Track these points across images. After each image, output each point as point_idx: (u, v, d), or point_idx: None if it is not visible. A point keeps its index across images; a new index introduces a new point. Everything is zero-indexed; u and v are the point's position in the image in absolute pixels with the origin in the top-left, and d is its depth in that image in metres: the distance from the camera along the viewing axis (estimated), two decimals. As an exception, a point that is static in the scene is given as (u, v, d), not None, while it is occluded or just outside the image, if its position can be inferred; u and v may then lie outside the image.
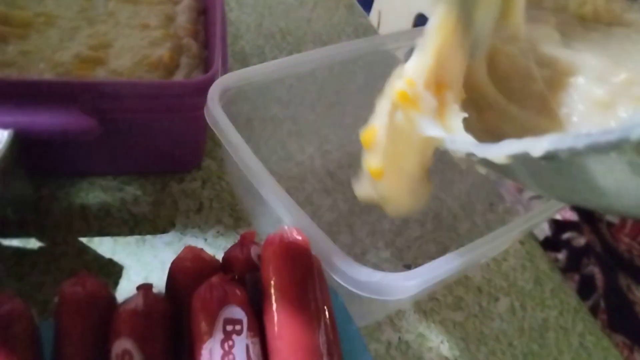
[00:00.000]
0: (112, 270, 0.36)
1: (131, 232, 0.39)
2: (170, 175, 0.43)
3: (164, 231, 0.39)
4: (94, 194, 0.40)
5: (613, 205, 0.21)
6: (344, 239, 0.42)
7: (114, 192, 0.41)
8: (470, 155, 0.23)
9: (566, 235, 0.69)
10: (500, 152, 0.20)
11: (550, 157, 0.18)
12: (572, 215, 0.67)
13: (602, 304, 0.63)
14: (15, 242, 0.36)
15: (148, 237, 0.39)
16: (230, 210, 0.42)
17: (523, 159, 0.19)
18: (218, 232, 0.40)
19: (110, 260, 0.37)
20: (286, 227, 0.26)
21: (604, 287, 0.63)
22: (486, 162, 0.22)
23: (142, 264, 0.37)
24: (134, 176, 0.42)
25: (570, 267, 0.66)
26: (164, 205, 0.41)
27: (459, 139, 0.24)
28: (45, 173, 0.40)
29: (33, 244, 0.36)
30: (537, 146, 0.18)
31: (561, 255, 0.67)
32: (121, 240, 0.38)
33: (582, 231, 0.67)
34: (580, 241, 0.68)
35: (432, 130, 0.24)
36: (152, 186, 0.42)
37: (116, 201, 0.40)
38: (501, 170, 0.24)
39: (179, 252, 0.38)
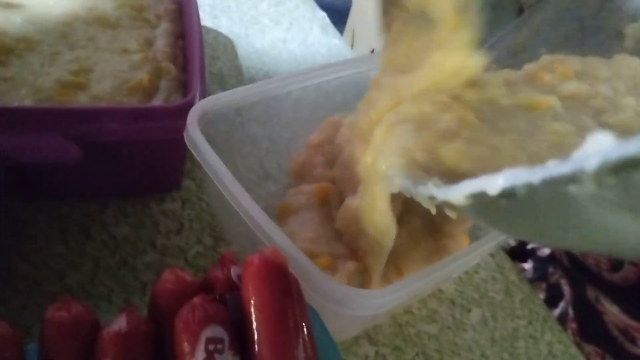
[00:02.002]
0: (93, 293, 0.37)
1: (112, 254, 0.39)
2: (150, 196, 0.44)
3: (144, 252, 0.40)
4: (74, 216, 0.41)
5: (596, 246, 0.21)
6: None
7: (94, 215, 0.41)
8: (432, 198, 0.23)
9: (531, 245, 0.71)
10: (458, 192, 0.20)
11: (508, 195, 0.17)
12: None
13: (571, 312, 0.65)
14: (-4, 267, 0.36)
15: (129, 258, 0.39)
16: (210, 230, 0.43)
17: (484, 201, 0.19)
18: (198, 252, 0.41)
19: (92, 283, 0.37)
20: (264, 248, 0.27)
21: (572, 297, 0.65)
22: (450, 205, 0.22)
23: (123, 285, 0.38)
24: (114, 198, 0.43)
25: (537, 276, 0.68)
26: (145, 227, 0.42)
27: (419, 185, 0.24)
28: (25, 197, 0.41)
29: (14, 267, 0.37)
30: (492, 183, 0.18)
31: (528, 265, 0.69)
32: (102, 262, 0.39)
33: None
34: (545, 250, 0.71)
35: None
36: (132, 207, 0.43)
37: (96, 223, 0.41)
38: (477, 216, 0.24)
39: (160, 273, 0.39)
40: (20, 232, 0.39)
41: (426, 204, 0.24)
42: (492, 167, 0.24)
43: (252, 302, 0.26)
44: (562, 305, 0.66)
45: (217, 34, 0.64)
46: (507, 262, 0.49)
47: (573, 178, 0.15)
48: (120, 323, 0.25)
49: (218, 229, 0.43)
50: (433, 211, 0.24)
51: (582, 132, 0.27)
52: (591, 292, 0.62)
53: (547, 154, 0.25)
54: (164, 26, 0.50)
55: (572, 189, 0.15)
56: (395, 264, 0.37)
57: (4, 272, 0.36)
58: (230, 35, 0.64)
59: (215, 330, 0.25)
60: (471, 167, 0.25)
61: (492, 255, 0.49)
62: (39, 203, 0.41)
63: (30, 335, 0.34)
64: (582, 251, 0.56)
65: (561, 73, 0.33)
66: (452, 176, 0.24)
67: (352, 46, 1.00)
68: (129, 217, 0.42)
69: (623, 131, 0.27)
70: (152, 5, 0.51)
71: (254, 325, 0.26)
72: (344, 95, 0.50)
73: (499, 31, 0.41)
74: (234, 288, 0.28)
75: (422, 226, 0.38)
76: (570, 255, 0.63)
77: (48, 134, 0.34)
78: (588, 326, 0.63)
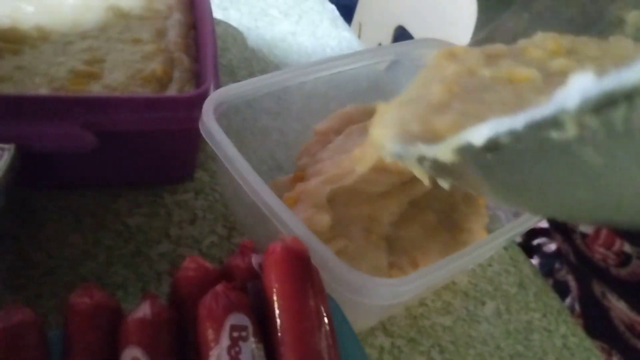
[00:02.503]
0: (109, 282, 0.37)
1: (126, 244, 0.39)
2: (163, 186, 0.44)
3: (158, 242, 0.40)
4: (88, 206, 0.41)
5: (587, 209, 0.20)
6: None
7: (107, 204, 0.41)
8: (421, 159, 0.22)
9: (537, 241, 0.71)
10: (446, 147, 0.20)
11: (494, 147, 0.17)
12: (542, 223, 0.69)
13: (577, 308, 0.65)
14: (11, 255, 0.36)
15: (143, 248, 0.39)
16: (224, 220, 0.43)
17: (472, 156, 0.19)
18: (212, 242, 0.41)
19: (106, 272, 0.37)
20: (286, 237, 0.27)
21: (579, 293, 0.65)
22: (440, 167, 0.22)
23: (138, 275, 0.38)
24: (127, 188, 0.42)
25: (543, 272, 0.68)
26: (158, 217, 0.41)
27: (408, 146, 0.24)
28: (39, 186, 0.40)
29: (29, 256, 0.37)
30: (477, 133, 0.17)
31: (534, 261, 0.69)
32: (116, 251, 0.39)
33: (552, 237, 0.69)
34: (551, 247, 0.70)
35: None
36: (145, 198, 0.42)
37: (110, 213, 0.41)
38: (466, 178, 0.24)
39: (175, 263, 0.39)
40: (34, 221, 0.39)
41: (418, 172, 0.24)
42: None
43: (275, 289, 0.26)
44: (568, 301, 0.66)
45: (227, 26, 0.63)
46: (520, 256, 0.48)
47: (555, 120, 0.14)
48: (144, 310, 0.25)
49: (231, 220, 0.43)
50: (426, 182, 0.24)
51: None
52: (597, 288, 0.62)
53: None
54: (176, 17, 0.49)
55: (555, 134, 0.14)
56: (411, 256, 0.37)
57: (20, 261, 0.36)
58: (240, 28, 0.64)
59: (239, 318, 0.25)
60: None
61: (505, 248, 0.48)
62: (53, 192, 0.41)
63: (46, 323, 0.33)
64: (575, 217, 0.54)
65: (551, 50, 0.32)
66: None
67: (358, 40, 1.00)
68: (142, 207, 0.42)
69: None
70: (164, -4, 0.51)
71: (276, 312, 0.25)
72: (356, 87, 0.50)
73: (500, 14, 0.41)
74: (255, 276, 0.27)
75: (438, 221, 0.38)
76: (576, 250, 0.63)
77: (65, 122, 0.34)
78: (594, 322, 0.63)
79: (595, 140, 0.14)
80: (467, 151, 0.18)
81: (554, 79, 0.29)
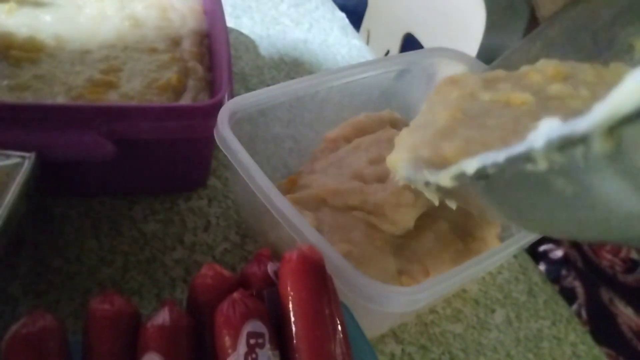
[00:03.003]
0: (125, 287, 0.38)
1: (141, 250, 0.40)
2: (177, 194, 0.44)
3: (173, 249, 0.41)
4: (105, 213, 0.41)
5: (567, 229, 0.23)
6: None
7: (123, 211, 0.42)
8: (427, 183, 0.26)
9: (543, 248, 0.71)
10: (445, 174, 0.23)
11: (483, 175, 0.20)
12: None
13: (584, 314, 0.65)
14: (31, 261, 0.37)
15: (158, 254, 0.40)
16: (237, 227, 0.43)
17: (467, 181, 0.22)
18: (225, 249, 0.42)
19: (123, 278, 0.38)
20: (301, 245, 0.28)
21: (586, 299, 0.65)
22: (444, 190, 0.25)
23: (154, 281, 0.38)
24: (143, 195, 0.43)
25: (550, 279, 0.68)
26: (173, 224, 0.42)
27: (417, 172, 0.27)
28: (57, 193, 0.41)
29: (48, 262, 0.37)
30: (469, 164, 0.21)
31: (540, 268, 0.70)
32: (132, 258, 0.39)
33: (559, 243, 0.69)
34: (558, 253, 0.71)
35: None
36: (160, 205, 0.43)
37: (126, 220, 0.41)
38: (465, 201, 0.27)
39: (189, 269, 0.40)
40: (54, 227, 0.39)
41: (427, 193, 0.27)
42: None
43: (290, 297, 0.26)
44: (575, 307, 0.66)
45: (239, 34, 0.64)
46: (529, 264, 0.49)
47: (527, 156, 0.17)
48: (163, 316, 0.25)
49: (244, 227, 0.43)
50: (436, 202, 0.27)
51: None
52: (605, 294, 0.62)
53: None
54: (190, 26, 0.50)
55: (530, 167, 0.17)
56: (423, 265, 0.37)
57: (39, 266, 0.37)
58: (252, 36, 0.64)
59: (255, 325, 0.25)
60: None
61: (515, 256, 0.49)
62: (70, 199, 0.41)
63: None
64: (567, 236, 0.57)
65: (550, 75, 0.34)
66: None
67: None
68: (157, 214, 0.42)
69: None
70: (178, 6, 0.51)
71: (292, 320, 0.26)
72: (367, 96, 0.50)
73: (510, 37, 0.42)
74: (271, 284, 0.28)
75: (451, 230, 0.39)
76: (584, 257, 0.64)
77: (84, 131, 0.35)
78: (601, 328, 0.63)
79: (564, 173, 0.16)
80: (462, 178, 0.22)
81: (551, 103, 0.31)
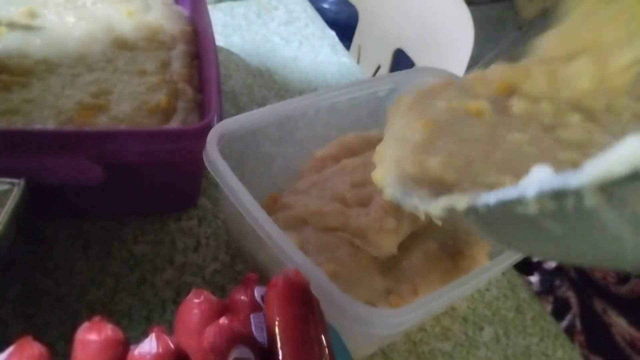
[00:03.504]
0: (114, 310, 0.38)
1: (131, 271, 0.40)
2: (167, 214, 0.45)
3: (163, 270, 0.41)
4: (95, 234, 0.42)
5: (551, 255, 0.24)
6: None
7: (113, 233, 0.42)
8: (416, 208, 0.26)
9: (536, 258, 0.72)
10: (435, 206, 0.24)
11: (473, 211, 0.21)
12: None
13: (578, 324, 0.65)
14: (20, 284, 0.37)
15: (148, 275, 0.40)
16: (226, 247, 0.44)
17: (457, 213, 0.22)
18: (215, 269, 0.42)
19: (112, 300, 0.38)
20: (287, 270, 0.28)
21: (580, 310, 0.66)
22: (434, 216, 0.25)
23: (143, 302, 0.39)
24: (133, 216, 0.43)
25: (544, 289, 0.68)
26: (163, 244, 0.42)
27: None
28: (47, 216, 0.42)
29: (38, 284, 0.37)
30: (460, 202, 0.21)
31: (534, 278, 0.70)
32: (122, 279, 0.39)
33: None
34: (551, 263, 0.71)
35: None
36: (150, 225, 0.43)
37: (116, 241, 0.42)
38: (454, 224, 0.27)
39: (179, 290, 0.40)
40: (43, 249, 0.40)
41: (416, 212, 0.27)
42: (469, 177, 0.28)
43: (277, 322, 0.27)
44: (569, 317, 0.67)
45: (229, 53, 0.65)
46: (517, 280, 0.49)
47: (519, 202, 0.18)
48: (150, 344, 0.25)
49: (234, 247, 0.44)
50: (422, 217, 0.27)
51: (536, 142, 0.30)
52: (599, 304, 0.63)
53: (509, 164, 0.29)
54: (180, 48, 0.51)
55: (521, 209, 0.18)
56: (412, 284, 0.37)
57: (29, 289, 0.37)
58: (242, 54, 0.65)
59: (242, 351, 0.25)
60: (455, 177, 0.28)
61: (503, 273, 0.49)
62: (60, 221, 0.42)
63: (53, 351, 0.34)
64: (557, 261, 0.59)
65: (496, 88, 0.35)
66: (441, 187, 0.27)
67: (358, 62, 1.01)
68: (147, 235, 0.43)
69: (571, 145, 0.30)
70: (168, 27, 0.52)
71: (279, 344, 0.26)
72: (356, 115, 0.51)
73: (498, 35, 0.42)
74: (258, 308, 0.28)
75: (440, 248, 0.39)
76: (577, 268, 0.64)
77: (73, 156, 0.35)
78: (595, 338, 0.63)
79: (554, 216, 0.17)
80: (452, 212, 0.23)
81: (508, 108, 0.31)
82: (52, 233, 0.41)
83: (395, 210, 0.37)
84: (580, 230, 0.18)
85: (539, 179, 0.17)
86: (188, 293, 0.28)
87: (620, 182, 0.14)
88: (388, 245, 0.37)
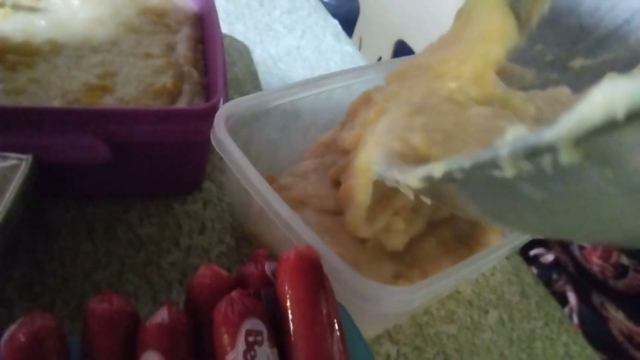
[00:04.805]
0: (121, 291, 0.38)
1: (137, 253, 0.40)
2: (172, 197, 0.44)
3: (168, 252, 0.41)
4: (100, 216, 0.41)
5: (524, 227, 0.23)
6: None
7: (119, 215, 0.42)
8: (397, 182, 0.26)
9: (534, 252, 0.72)
10: (413, 176, 0.24)
11: (450, 178, 0.20)
12: None
13: (576, 319, 0.66)
14: (26, 265, 0.37)
15: (154, 257, 0.40)
16: (232, 230, 0.44)
17: (435, 183, 0.22)
18: (221, 251, 0.42)
19: (118, 281, 0.38)
20: (299, 245, 0.28)
21: (577, 304, 0.66)
22: (415, 190, 0.25)
23: (149, 284, 0.38)
24: (138, 199, 0.43)
25: (542, 283, 0.69)
26: (168, 227, 0.42)
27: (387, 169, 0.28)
28: (53, 197, 0.41)
29: (43, 266, 0.37)
30: (436, 168, 0.21)
31: None
32: (128, 261, 0.39)
33: (550, 247, 0.70)
34: (548, 257, 0.71)
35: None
36: (155, 208, 0.43)
37: (121, 223, 0.41)
38: (434, 198, 0.27)
39: (185, 272, 0.40)
40: (49, 231, 0.39)
41: (400, 189, 0.27)
42: (452, 151, 0.29)
43: (288, 296, 0.26)
44: (566, 311, 0.67)
45: (233, 40, 0.65)
46: (522, 265, 0.49)
47: (493, 163, 0.17)
48: (162, 315, 0.25)
49: (239, 230, 0.44)
50: (411, 197, 0.27)
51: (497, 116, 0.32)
52: (596, 298, 0.63)
53: (483, 136, 0.30)
54: (185, 31, 0.50)
55: (497, 173, 0.17)
56: (422, 269, 0.37)
57: (34, 270, 0.37)
58: (246, 42, 0.65)
59: (254, 323, 0.25)
60: (440, 153, 0.29)
61: (507, 258, 0.49)
62: (65, 203, 0.41)
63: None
64: (543, 236, 0.58)
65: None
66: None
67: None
68: (152, 218, 0.42)
69: None
70: (173, 11, 0.52)
71: (290, 318, 0.26)
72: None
73: None
74: (268, 283, 0.28)
75: (453, 235, 0.39)
76: (575, 261, 0.64)
77: (80, 134, 0.35)
78: (593, 332, 0.64)
79: (531, 179, 0.16)
80: (430, 180, 0.22)
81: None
82: (57, 215, 0.41)
83: (407, 210, 0.38)
84: (561, 196, 0.17)
85: (513, 137, 0.16)
86: (192, 276, 0.28)
87: (595, 133, 0.13)
88: (395, 244, 0.37)
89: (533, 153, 0.15)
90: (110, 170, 0.39)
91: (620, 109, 0.12)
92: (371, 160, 0.30)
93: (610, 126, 0.12)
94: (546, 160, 0.15)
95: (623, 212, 0.16)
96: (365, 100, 0.41)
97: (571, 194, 0.16)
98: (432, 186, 0.23)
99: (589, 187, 0.15)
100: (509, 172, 0.16)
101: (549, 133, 0.14)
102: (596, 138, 0.13)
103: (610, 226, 0.18)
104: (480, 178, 0.19)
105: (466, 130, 0.31)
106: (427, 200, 0.27)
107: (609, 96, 0.12)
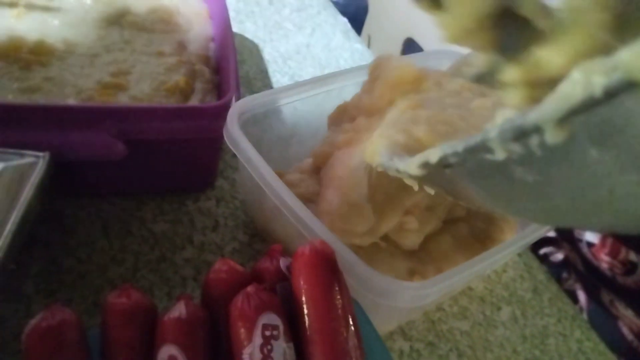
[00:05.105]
0: (136, 286, 0.38)
1: (151, 250, 0.40)
2: (185, 194, 0.45)
3: (182, 248, 0.41)
4: (115, 213, 0.42)
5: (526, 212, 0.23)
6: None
7: (133, 212, 0.42)
8: (398, 171, 0.26)
9: (543, 251, 0.72)
10: (412, 163, 0.24)
11: (446, 163, 0.20)
12: (549, 232, 0.70)
13: (585, 317, 0.65)
14: (43, 261, 0.37)
15: (168, 254, 0.40)
16: (245, 227, 0.44)
17: (432, 169, 0.22)
18: (234, 248, 0.42)
19: (134, 277, 0.38)
20: (313, 240, 0.28)
21: (587, 303, 0.65)
22: (416, 178, 0.25)
23: (164, 280, 0.39)
24: (152, 196, 0.44)
25: None
26: (182, 224, 0.43)
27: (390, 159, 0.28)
28: (68, 194, 0.42)
29: (60, 262, 0.38)
30: (432, 154, 0.21)
31: None
32: (142, 257, 0.40)
33: (559, 246, 0.70)
34: (558, 256, 0.71)
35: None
36: (169, 205, 0.44)
37: (136, 220, 0.42)
38: (434, 185, 0.27)
39: (199, 268, 0.40)
40: (64, 228, 0.40)
41: (404, 179, 0.27)
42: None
43: (304, 290, 0.27)
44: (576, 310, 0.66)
45: (243, 39, 0.65)
46: (534, 262, 0.49)
47: (484, 146, 0.17)
48: (179, 310, 0.26)
49: (252, 227, 0.44)
50: (415, 187, 0.27)
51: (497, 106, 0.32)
52: (606, 296, 0.62)
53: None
54: (196, 30, 0.51)
55: (489, 156, 0.17)
56: (437, 266, 0.37)
57: (51, 266, 0.37)
58: (256, 40, 0.65)
59: (270, 317, 0.26)
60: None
61: (519, 255, 0.49)
62: (80, 201, 0.42)
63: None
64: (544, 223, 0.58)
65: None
66: None
67: (367, 52, 1.01)
68: (166, 215, 0.43)
69: None
70: (183, 10, 0.52)
71: (306, 312, 0.26)
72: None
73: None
74: (283, 278, 0.28)
75: (470, 232, 0.39)
76: (584, 259, 0.64)
77: (96, 131, 0.35)
78: (602, 331, 0.63)
79: (522, 162, 0.16)
80: (428, 167, 0.23)
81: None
82: (73, 212, 0.41)
83: (420, 209, 0.38)
84: (552, 177, 0.17)
85: (501, 120, 0.17)
86: (208, 271, 0.28)
87: (576, 112, 0.13)
88: (409, 243, 0.37)
89: (520, 134, 0.15)
90: (124, 167, 0.39)
91: (597, 86, 0.12)
92: (376, 151, 0.30)
93: (589, 104, 0.13)
94: (534, 142, 0.15)
95: (612, 192, 0.16)
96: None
97: (561, 175, 0.17)
98: (431, 173, 0.23)
99: (577, 168, 0.16)
100: (500, 154, 0.17)
101: (533, 114, 0.15)
102: (578, 117, 0.13)
103: (601, 207, 0.18)
104: (474, 162, 0.19)
105: (469, 122, 0.32)
106: (431, 190, 0.28)
107: (586, 74, 0.13)
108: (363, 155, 0.34)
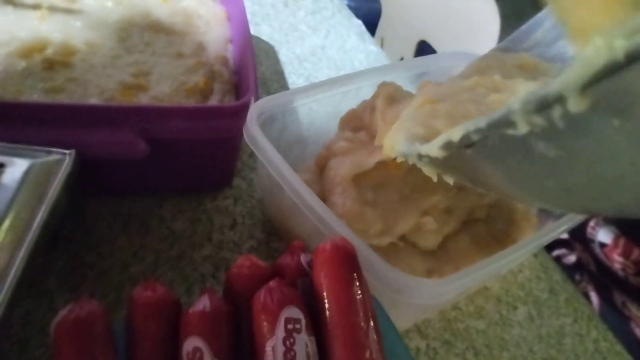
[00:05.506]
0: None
1: (171, 247, 0.41)
2: (204, 193, 0.45)
3: (201, 246, 0.42)
4: (135, 211, 0.42)
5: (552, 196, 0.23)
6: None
7: (153, 210, 0.43)
8: (420, 156, 0.26)
9: (556, 253, 0.72)
10: (433, 144, 0.24)
11: (469, 143, 0.20)
12: (562, 234, 0.70)
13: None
14: (66, 257, 0.38)
15: (187, 251, 0.41)
16: (262, 226, 0.44)
17: (454, 151, 0.22)
18: (252, 246, 0.43)
19: (154, 273, 0.39)
20: (334, 236, 0.29)
21: (599, 304, 0.65)
22: (437, 162, 0.25)
23: (184, 276, 0.39)
24: (171, 194, 0.44)
25: None
26: (200, 222, 0.43)
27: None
28: (91, 192, 0.43)
29: (82, 258, 0.38)
30: (454, 133, 0.21)
31: None
32: (162, 254, 0.40)
33: (572, 248, 0.69)
34: (571, 258, 0.71)
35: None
36: (187, 204, 0.44)
37: (155, 218, 0.42)
38: (454, 170, 0.27)
39: (217, 266, 0.40)
40: (86, 225, 0.41)
41: (424, 168, 0.28)
42: None
43: (325, 285, 0.27)
44: None
45: (259, 41, 0.66)
46: (550, 263, 0.49)
47: (507, 120, 0.17)
48: (204, 303, 0.26)
49: (270, 225, 0.44)
50: (434, 178, 0.28)
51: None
52: (618, 298, 0.62)
53: None
54: (214, 31, 0.52)
55: (511, 131, 0.17)
56: (455, 265, 0.38)
57: (73, 262, 0.38)
58: (272, 42, 0.66)
59: (292, 311, 0.26)
60: None
61: (535, 255, 0.49)
62: (102, 199, 0.43)
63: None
64: (559, 207, 0.58)
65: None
66: None
67: (381, 55, 1.01)
68: (185, 213, 0.43)
69: None
70: (202, 12, 0.53)
71: (326, 307, 0.27)
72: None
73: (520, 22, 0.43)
74: (304, 274, 0.29)
75: (488, 232, 0.39)
76: (596, 260, 0.64)
77: (119, 130, 0.36)
78: (615, 332, 0.63)
79: (545, 136, 0.17)
80: (450, 147, 0.23)
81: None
82: (94, 210, 0.42)
83: (439, 211, 0.38)
84: (574, 152, 0.17)
85: (524, 92, 0.16)
86: (230, 266, 0.29)
87: (599, 77, 0.13)
88: (427, 244, 0.37)
89: (543, 104, 0.15)
90: (144, 166, 0.40)
91: (619, 50, 0.12)
92: (395, 142, 0.31)
93: (612, 68, 0.13)
94: (556, 113, 0.15)
95: (634, 164, 0.16)
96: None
97: (583, 148, 0.17)
98: (452, 156, 0.23)
99: (598, 139, 0.16)
100: (522, 127, 0.17)
101: (556, 82, 0.15)
102: (600, 83, 0.14)
103: (622, 183, 0.18)
104: (496, 138, 0.19)
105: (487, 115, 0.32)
106: (450, 180, 0.28)
107: (608, 39, 0.13)
108: (357, 162, 0.36)
